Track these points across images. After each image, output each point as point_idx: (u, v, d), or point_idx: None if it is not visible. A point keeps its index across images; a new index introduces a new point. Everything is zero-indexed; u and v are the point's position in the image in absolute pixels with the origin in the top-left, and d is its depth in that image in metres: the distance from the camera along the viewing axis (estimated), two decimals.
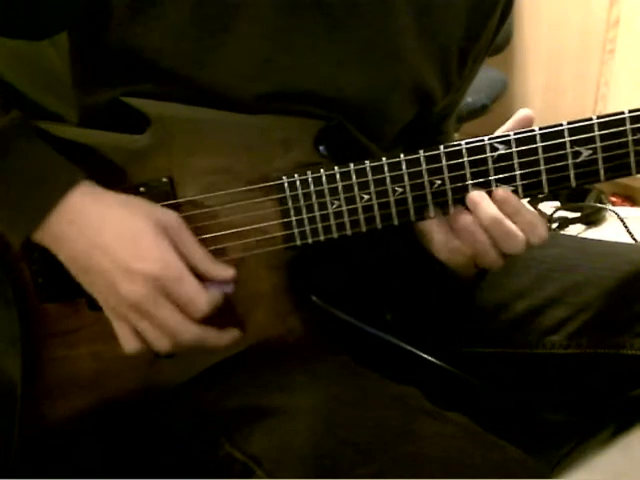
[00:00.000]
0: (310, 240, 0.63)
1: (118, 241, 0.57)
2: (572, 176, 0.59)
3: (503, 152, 0.59)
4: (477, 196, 0.60)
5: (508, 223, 0.59)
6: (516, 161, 0.59)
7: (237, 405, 0.63)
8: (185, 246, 0.59)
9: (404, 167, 0.60)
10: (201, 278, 0.60)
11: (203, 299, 0.58)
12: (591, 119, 0.57)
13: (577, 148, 0.58)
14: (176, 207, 0.62)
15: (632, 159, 0.57)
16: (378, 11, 0.63)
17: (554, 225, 1.42)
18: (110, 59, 0.63)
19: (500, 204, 0.59)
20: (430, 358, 0.68)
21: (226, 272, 0.61)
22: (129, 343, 0.60)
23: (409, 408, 0.59)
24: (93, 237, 0.57)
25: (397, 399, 0.60)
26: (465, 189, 0.60)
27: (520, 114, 0.61)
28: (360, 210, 0.62)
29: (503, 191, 0.59)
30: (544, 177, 0.59)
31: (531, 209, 0.61)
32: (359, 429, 0.57)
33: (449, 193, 0.61)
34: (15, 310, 0.63)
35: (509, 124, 0.61)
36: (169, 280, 0.57)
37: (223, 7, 0.59)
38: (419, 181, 0.60)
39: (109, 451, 0.66)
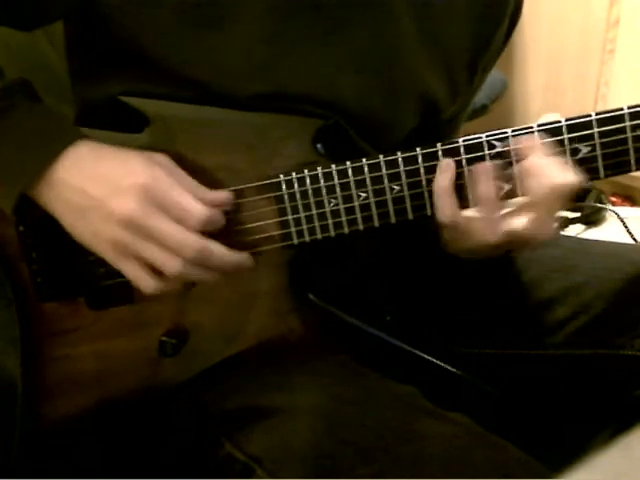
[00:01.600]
0: (307, 239, 0.63)
1: (111, 169, 0.57)
2: None
3: (500, 149, 0.59)
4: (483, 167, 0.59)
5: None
6: (514, 158, 0.59)
7: (237, 405, 0.63)
8: (176, 175, 0.58)
9: (401, 165, 0.60)
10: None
11: (197, 207, 0.56)
12: (590, 115, 0.57)
13: (576, 145, 0.58)
14: None
15: (632, 155, 0.57)
16: (377, 16, 0.63)
17: None
18: (105, 56, 0.63)
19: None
20: (430, 358, 0.68)
21: (221, 194, 0.60)
22: (146, 281, 0.58)
23: (410, 408, 0.59)
24: (88, 172, 0.57)
25: (398, 399, 0.60)
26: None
27: None
28: (357, 208, 0.62)
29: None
30: None
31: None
32: (360, 429, 0.57)
33: None
34: (15, 310, 0.63)
35: None
36: (159, 188, 0.56)
37: (219, 8, 0.59)
38: (416, 179, 0.60)
39: (110, 450, 0.66)
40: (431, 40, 0.66)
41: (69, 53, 0.67)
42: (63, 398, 0.66)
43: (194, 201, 0.57)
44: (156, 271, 0.57)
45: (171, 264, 0.56)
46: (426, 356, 0.68)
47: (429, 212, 0.61)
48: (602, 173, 0.58)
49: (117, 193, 0.55)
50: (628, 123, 0.57)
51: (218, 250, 0.58)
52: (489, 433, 0.58)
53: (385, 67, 0.65)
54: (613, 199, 1.70)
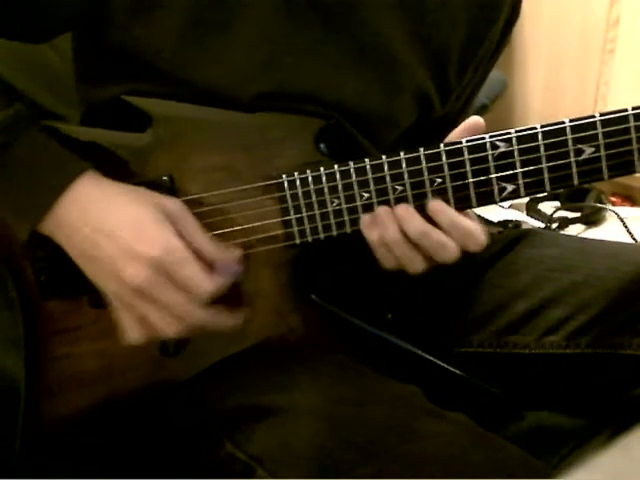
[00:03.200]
0: (310, 238, 0.63)
1: (121, 226, 0.57)
2: (575, 174, 0.59)
3: (504, 150, 0.59)
4: (403, 209, 0.60)
5: (438, 234, 0.59)
6: (517, 159, 0.59)
7: (238, 404, 0.62)
8: (188, 231, 0.59)
9: (404, 165, 0.60)
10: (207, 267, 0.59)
11: (207, 281, 0.58)
12: (594, 116, 0.57)
13: (579, 146, 0.58)
14: None
15: (636, 156, 0.57)
16: (373, 15, 0.64)
17: (554, 225, 1.42)
18: (111, 58, 0.64)
19: (434, 214, 0.59)
20: (431, 358, 0.68)
21: (231, 253, 0.61)
22: (133, 332, 0.60)
23: (410, 407, 0.59)
24: (97, 223, 0.57)
25: (398, 398, 0.60)
26: (466, 187, 0.60)
27: (470, 120, 0.61)
28: (360, 208, 0.62)
29: (437, 203, 0.59)
30: (546, 175, 0.59)
31: (470, 215, 0.61)
32: (360, 428, 0.57)
33: (450, 191, 0.60)
34: (18, 308, 0.63)
35: (458, 130, 0.61)
36: (172, 263, 0.56)
37: (222, 9, 0.60)
38: (419, 179, 0.60)
39: (111, 450, 0.66)
40: (422, 38, 0.67)
41: (75, 54, 0.67)
42: (64, 397, 0.66)
43: (204, 275, 0.58)
44: (149, 328, 0.59)
45: (170, 328, 0.59)
46: (427, 355, 0.68)
47: None
48: (606, 174, 0.58)
49: (130, 259, 0.56)
50: (632, 124, 0.56)
51: (218, 320, 0.60)
52: (489, 433, 0.58)
53: (382, 65, 0.66)
54: (613, 199, 1.70)
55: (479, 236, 0.60)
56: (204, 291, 0.58)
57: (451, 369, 0.68)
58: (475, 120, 0.61)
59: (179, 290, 0.57)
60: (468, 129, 0.60)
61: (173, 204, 0.60)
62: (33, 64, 0.82)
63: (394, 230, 0.59)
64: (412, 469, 0.53)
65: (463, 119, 0.64)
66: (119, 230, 0.57)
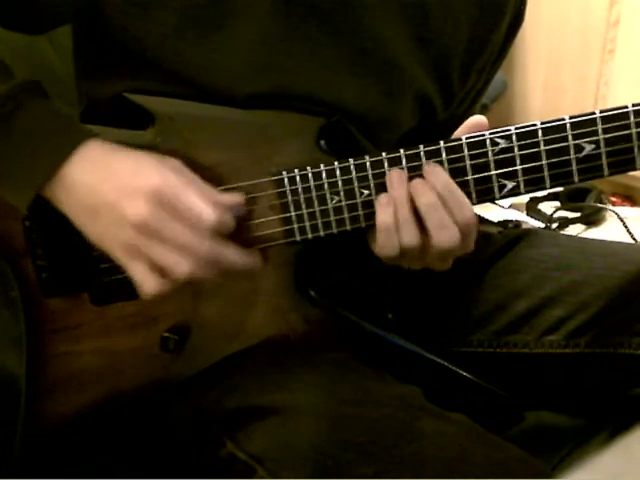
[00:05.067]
0: (310, 236, 0.63)
1: (123, 169, 0.57)
2: (575, 171, 0.59)
3: (504, 146, 0.59)
4: (419, 183, 0.59)
5: (444, 213, 0.59)
6: (517, 155, 0.59)
7: (239, 404, 0.62)
8: (188, 178, 0.59)
9: (404, 162, 0.60)
10: None
11: (209, 209, 0.56)
12: (594, 113, 0.57)
13: (580, 142, 0.58)
14: None
15: (636, 153, 0.57)
16: (373, 18, 0.64)
17: (554, 225, 1.42)
18: (111, 55, 0.64)
19: (429, 175, 0.59)
20: (432, 357, 0.68)
21: (233, 197, 0.60)
22: (148, 282, 0.58)
23: (411, 407, 0.59)
24: (99, 172, 0.57)
25: (399, 398, 0.60)
26: (466, 184, 0.60)
27: (473, 119, 0.61)
28: (360, 205, 0.62)
29: (433, 165, 0.59)
30: (546, 172, 0.59)
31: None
32: (361, 428, 0.57)
33: None
34: (20, 307, 0.63)
35: (461, 129, 0.61)
36: (171, 192, 0.56)
37: (219, 10, 0.60)
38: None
39: (111, 449, 0.66)
40: (424, 42, 0.67)
41: (76, 51, 0.67)
42: (65, 395, 0.66)
43: (205, 205, 0.57)
44: (163, 273, 0.58)
45: (182, 266, 0.57)
46: (428, 355, 0.68)
47: None
48: (606, 171, 0.58)
49: (129, 195, 0.56)
50: (633, 120, 0.57)
51: (229, 252, 0.59)
52: (489, 433, 0.58)
53: (381, 68, 0.66)
54: (613, 199, 1.70)
55: (469, 208, 0.59)
56: (208, 218, 0.56)
57: (453, 368, 0.68)
58: (478, 119, 0.61)
59: (182, 220, 0.56)
60: (471, 128, 0.60)
61: (174, 161, 0.59)
62: (32, 63, 0.82)
63: (408, 208, 0.59)
64: (412, 469, 0.53)
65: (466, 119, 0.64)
66: (119, 173, 0.57)
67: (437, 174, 0.59)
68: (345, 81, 0.65)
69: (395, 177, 0.60)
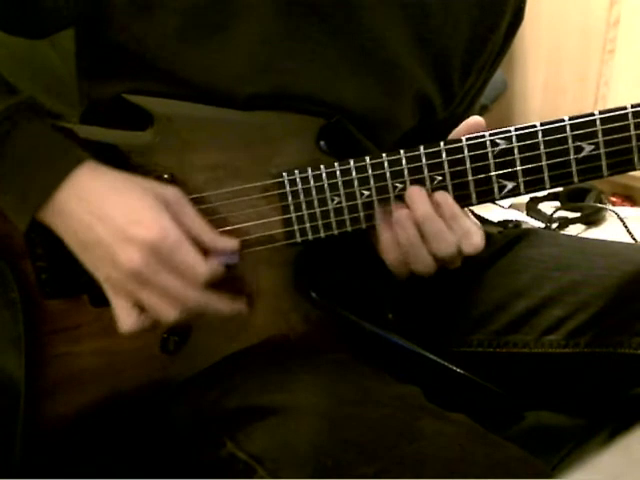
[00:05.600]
0: (310, 237, 0.63)
1: (117, 211, 0.57)
2: (574, 172, 0.59)
3: (504, 147, 0.59)
4: (416, 191, 0.61)
5: (440, 222, 0.60)
6: (517, 156, 0.59)
7: (239, 404, 0.62)
8: (185, 218, 0.59)
9: (404, 163, 0.60)
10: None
11: (203, 264, 0.57)
12: (593, 114, 0.57)
13: (579, 143, 0.58)
14: None
15: (635, 153, 0.57)
16: (374, 19, 0.64)
17: (554, 225, 1.42)
18: (113, 56, 0.64)
19: (437, 206, 0.60)
20: (433, 357, 0.68)
21: (229, 242, 0.61)
22: (128, 319, 0.59)
23: (411, 407, 0.59)
24: (95, 209, 0.57)
25: (399, 398, 0.60)
26: (466, 185, 0.60)
27: (470, 120, 0.62)
28: (360, 206, 0.62)
29: (442, 194, 0.60)
30: (546, 173, 0.59)
31: (472, 218, 0.62)
32: (361, 428, 0.57)
33: (450, 189, 0.60)
34: (19, 308, 0.63)
35: (459, 129, 0.62)
36: (167, 246, 0.56)
37: (221, 11, 0.60)
38: (419, 177, 0.60)
39: (111, 450, 0.66)
40: (424, 42, 0.67)
41: (78, 53, 0.67)
42: (65, 396, 0.66)
43: (200, 259, 0.57)
44: (144, 311, 0.59)
45: (168, 313, 0.58)
46: (428, 355, 0.68)
47: None
48: (605, 171, 0.58)
49: (124, 242, 0.56)
50: (632, 121, 0.57)
51: (215, 304, 0.60)
52: (490, 433, 0.58)
53: (382, 69, 0.66)
54: (613, 199, 1.70)
55: (476, 236, 0.60)
56: (200, 273, 0.57)
57: (454, 368, 0.68)
58: (475, 120, 0.61)
59: (175, 273, 0.57)
60: (468, 128, 0.61)
61: (171, 192, 0.60)
62: (33, 64, 0.82)
63: (405, 213, 0.60)
64: (412, 469, 0.53)
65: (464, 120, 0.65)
66: (115, 214, 0.57)
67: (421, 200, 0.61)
68: (345, 81, 0.65)
69: (416, 193, 0.61)
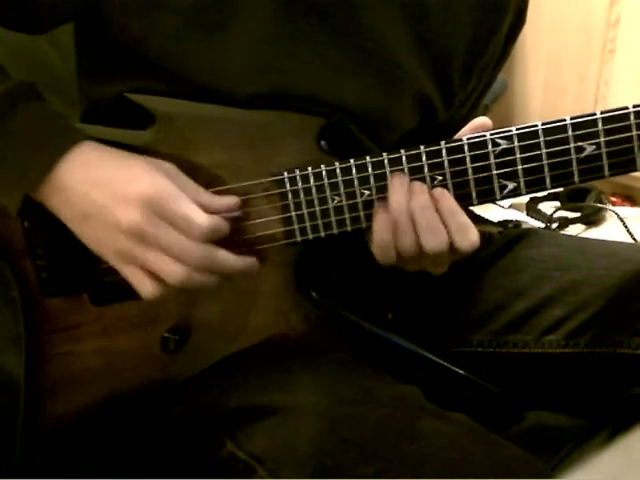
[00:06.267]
0: (310, 236, 0.63)
1: (113, 176, 0.57)
2: (575, 172, 0.59)
3: (505, 147, 0.59)
4: (417, 184, 0.60)
5: (434, 215, 0.59)
6: (518, 156, 0.59)
7: (239, 404, 0.62)
8: (180, 180, 0.59)
9: (405, 162, 0.60)
10: None
11: (202, 216, 0.56)
12: (594, 114, 0.57)
13: (580, 143, 0.58)
14: None
15: (636, 154, 0.57)
16: (374, 19, 0.64)
17: (554, 225, 1.42)
18: (113, 55, 0.64)
19: (436, 201, 0.60)
20: (433, 357, 0.68)
21: (226, 199, 0.61)
22: (146, 286, 0.58)
23: (411, 407, 0.59)
24: (91, 178, 0.57)
25: (399, 398, 0.60)
26: (467, 184, 0.60)
27: (476, 121, 0.61)
28: (360, 206, 0.62)
29: (441, 190, 0.60)
30: (547, 173, 0.59)
31: (465, 215, 0.61)
32: (361, 428, 0.57)
33: (450, 188, 0.60)
34: (19, 307, 0.63)
35: (465, 129, 0.61)
36: (164, 199, 0.56)
37: (221, 11, 0.60)
38: (420, 176, 0.60)
39: (111, 449, 0.66)
40: (424, 43, 0.67)
41: (78, 50, 0.67)
42: (65, 395, 0.66)
43: (199, 211, 0.57)
44: (158, 276, 0.58)
45: (175, 272, 0.57)
46: (428, 355, 0.68)
47: None
48: (607, 172, 0.58)
49: (122, 202, 0.56)
50: (633, 121, 0.57)
51: (222, 256, 0.58)
52: (490, 433, 0.58)
53: (382, 69, 0.66)
54: (613, 199, 1.71)
55: (472, 233, 0.60)
56: (201, 224, 0.56)
57: (454, 368, 0.68)
58: (482, 120, 0.61)
59: (175, 226, 0.56)
60: (475, 129, 0.61)
61: (167, 164, 0.59)
62: (33, 63, 0.82)
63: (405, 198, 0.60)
64: (412, 469, 0.53)
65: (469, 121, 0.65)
66: (110, 180, 0.57)
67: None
68: (346, 81, 0.65)
69: (396, 182, 0.60)
